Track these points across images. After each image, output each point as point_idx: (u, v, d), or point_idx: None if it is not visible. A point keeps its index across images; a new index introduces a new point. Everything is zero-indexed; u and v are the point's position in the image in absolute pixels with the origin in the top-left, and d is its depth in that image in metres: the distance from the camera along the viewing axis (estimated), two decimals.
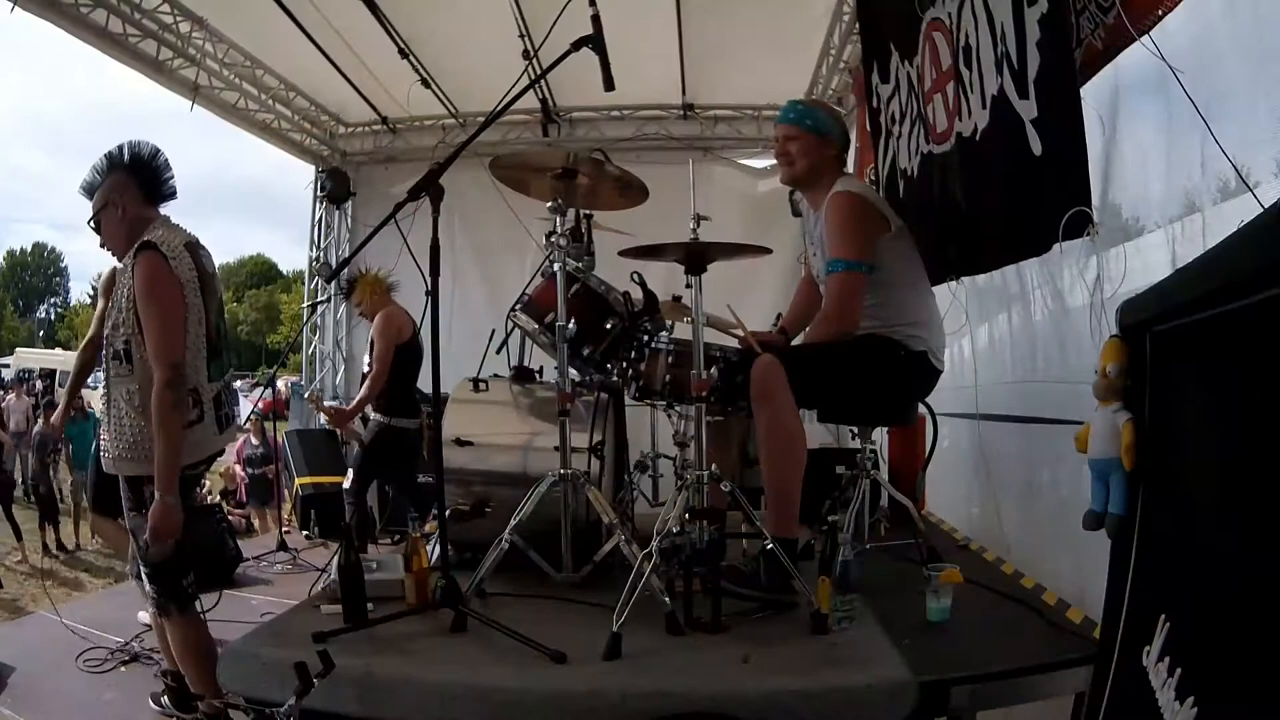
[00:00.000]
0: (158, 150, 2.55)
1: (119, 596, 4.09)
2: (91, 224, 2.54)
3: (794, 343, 2.83)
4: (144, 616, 3.21)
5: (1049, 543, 2.59)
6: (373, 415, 4.33)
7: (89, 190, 2.51)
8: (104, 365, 2.49)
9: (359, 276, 4.49)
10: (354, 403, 4.38)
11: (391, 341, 4.21)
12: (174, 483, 2.32)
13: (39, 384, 16.63)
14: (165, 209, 2.58)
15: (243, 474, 8.81)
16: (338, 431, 6.42)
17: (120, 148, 2.52)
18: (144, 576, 2.50)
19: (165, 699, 2.79)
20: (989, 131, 2.44)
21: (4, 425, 8.73)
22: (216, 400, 2.55)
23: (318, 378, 7.34)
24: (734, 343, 2.74)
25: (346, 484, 4.43)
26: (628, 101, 6.23)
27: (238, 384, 27.93)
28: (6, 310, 47.08)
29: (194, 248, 2.50)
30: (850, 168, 4.98)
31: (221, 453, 2.71)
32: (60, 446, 8.26)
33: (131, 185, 2.49)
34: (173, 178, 2.58)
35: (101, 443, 2.52)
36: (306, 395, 6.07)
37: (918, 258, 2.66)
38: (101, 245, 2.58)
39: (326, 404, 5.59)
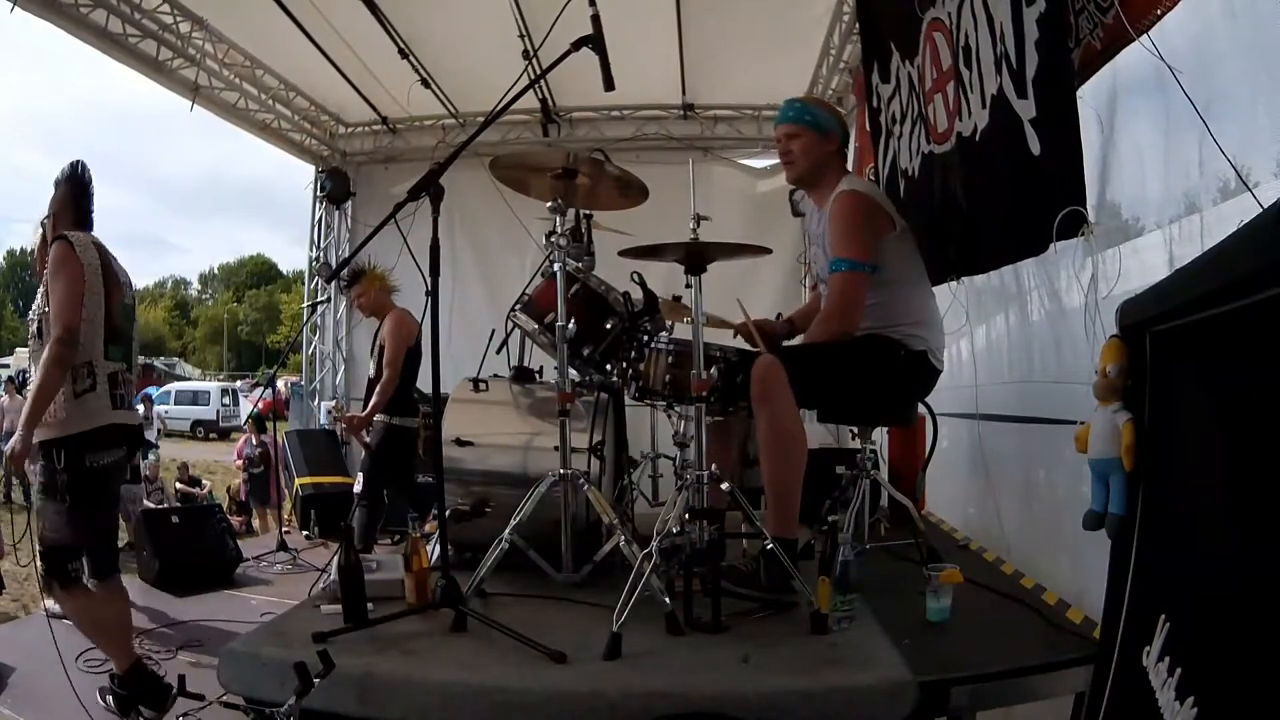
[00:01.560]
0: (78, 164, 2.95)
1: None
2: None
3: (794, 342, 2.83)
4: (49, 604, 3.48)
5: (1049, 543, 2.59)
6: (377, 417, 4.33)
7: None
8: (29, 348, 2.84)
9: (365, 270, 4.48)
10: (369, 409, 4.36)
11: (404, 345, 4.22)
12: (32, 421, 2.61)
13: None
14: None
15: (244, 475, 8.82)
16: (338, 432, 6.43)
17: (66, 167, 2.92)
18: (36, 554, 2.77)
19: (109, 698, 2.86)
20: (989, 131, 2.44)
21: None
22: (112, 379, 2.78)
23: (318, 378, 7.34)
24: (734, 342, 2.74)
25: (358, 488, 4.42)
26: (628, 101, 6.23)
27: (238, 384, 28.00)
28: (6, 310, 47.05)
29: (100, 246, 2.85)
30: (850, 167, 5.00)
31: (133, 433, 2.93)
32: None
33: (67, 198, 2.89)
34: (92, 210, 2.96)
35: None
36: (331, 408, 6.10)
37: (919, 257, 2.66)
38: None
39: (325, 404, 5.58)
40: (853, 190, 2.53)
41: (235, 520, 8.06)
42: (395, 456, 4.36)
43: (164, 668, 3.14)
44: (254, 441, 8.68)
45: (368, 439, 4.44)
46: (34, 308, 2.80)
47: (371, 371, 4.47)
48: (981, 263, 2.84)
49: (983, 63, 2.42)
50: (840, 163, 2.69)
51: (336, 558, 2.27)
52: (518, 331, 2.94)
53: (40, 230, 2.93)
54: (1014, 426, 2.97)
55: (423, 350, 4.26)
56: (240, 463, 9.00)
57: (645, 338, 2.64)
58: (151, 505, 7.33)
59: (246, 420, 8.21)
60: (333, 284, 6.92)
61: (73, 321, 2.63)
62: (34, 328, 2.75)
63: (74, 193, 2.90)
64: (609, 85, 2.36)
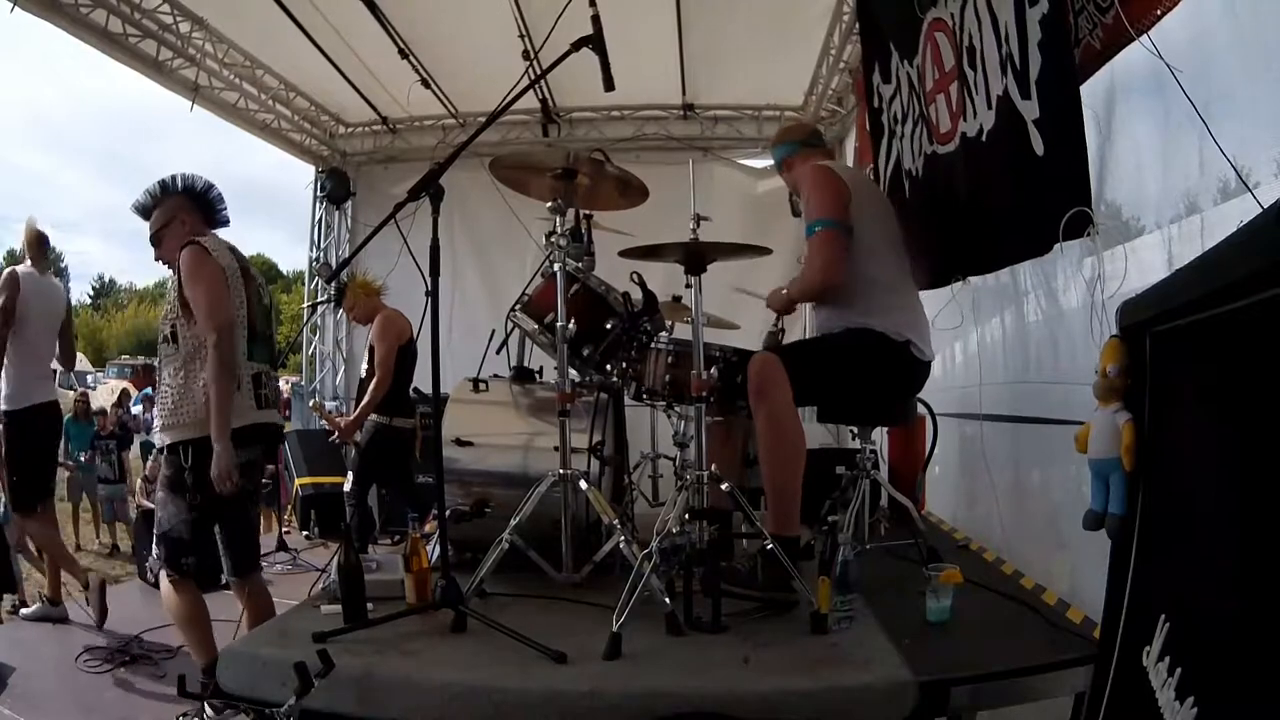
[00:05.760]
0: (211, 184, 2.89)
1: (119, 596, 4.09)
2: (152, 239, 2.84)
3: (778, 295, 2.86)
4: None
5: (1049, 543, 2.59)
6: (370, 416, 4.32)
7: (144, 211, 2.83)
8: (158, 353, 2.78)
9: (348, 282, 4.49)
10: (358, 411, 4.35)
11: (393, 345, 4.20)
12: (225, 430, 2.57)
13: None
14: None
15: None
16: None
17: (174, 178, 2.84)
18: (155, 540, 2.75)
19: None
20: (994, 132, 2.44)
21: None
22: (255, 379, 2.75)
23: (318, 378, 7.34)
24: (734, 342, 2.75)
25: (347, 486, 4.42)
26: (628, 101, 6.23)
27: None
28: None
29: (235, 250, 2.80)
30: (850, 164, 5.00)
31: (274, 432, 2.91)
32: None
33: (192, 208, 2.84)
34: (226, 209, 2.93)
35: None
36: (311, 404, 6.08)
37: (898, 251, 2.68)
38: (157, 258, 2.87)
39: (327, 406, 5.57)
40: (813, 165, 2.72)
41: None
42: (385, 457, 4.34)
43: (164, 668, 3.15)
44: None
45: (359, 439, 4.44)
46: (163, 313, 2.76)
47: (363, 372, 4.46)
48: (986, 263, 2.83)
49: (987, 63, 2.42)
50: (806, 161, 2.81)
51: (336, 558, 2.27)
52: (518, 331, 2.94)
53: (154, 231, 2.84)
54: (1014, 427, 2.97)
55: (420, 350, 4.26)
56: None
57: (645, 338, 2.65)
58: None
59: None
60: (332, 285, 6.92)
61: (224, 320, 2.61)
62: (165, 330, 2.72)
63: (191, 201, 2.84)
64: (609, 85, 2.36)
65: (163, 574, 2.74)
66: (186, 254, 2.65)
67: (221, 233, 2.88)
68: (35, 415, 3.82)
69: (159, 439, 2.73)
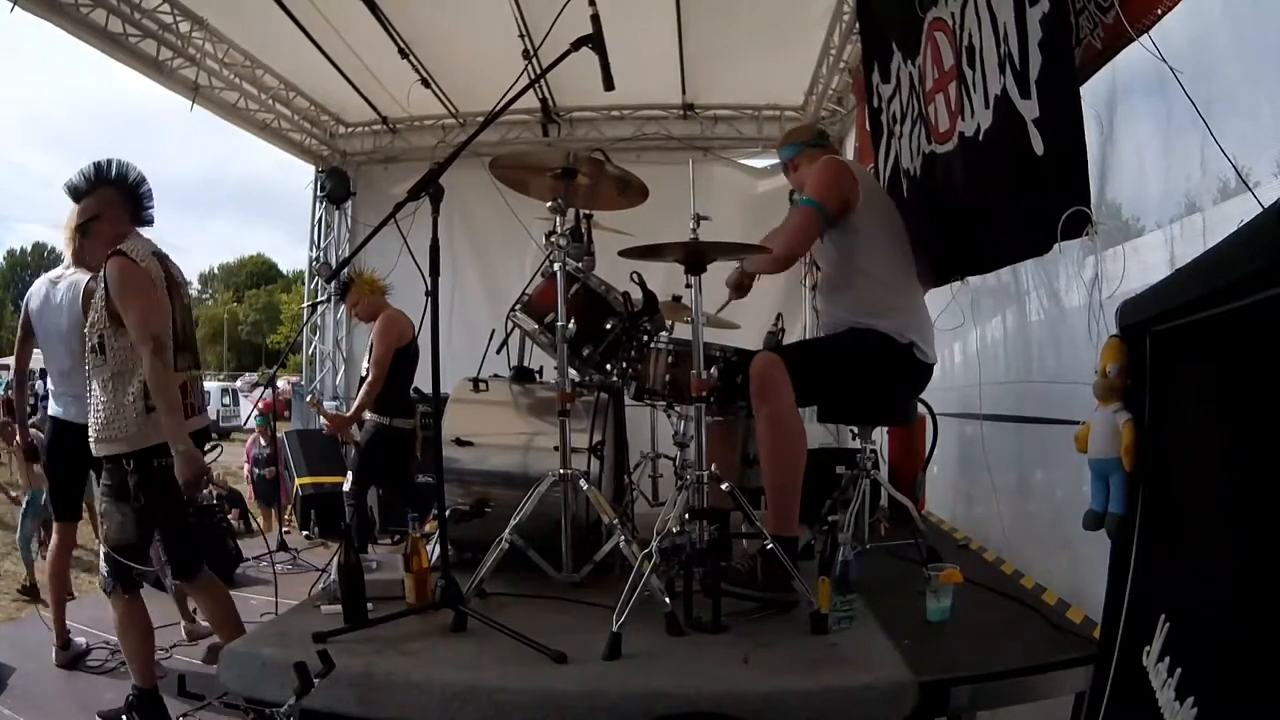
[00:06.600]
0: (144, 178, 2.81)
1: None
2: (80, 229, 2.79)
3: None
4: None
5: (1049, 543, 2.59)
6: (370, 416, 4.33)
7: (76, 194, 2.75)
8: (86, 362, 2.72)
9: (353, 279, 4.48)
10: (353, 409, 4.36)
11: (392, 346, 4.20)
12: (182, 435, 2.57)
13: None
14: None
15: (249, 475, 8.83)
16: (322, 429, 6.42)
17: (109, 163, 2.75)
18: (101, 555, 2.72)
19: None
20: (992, 132, 2.44)
21: None
22: (181, 389, 2.71)
23: (318, 378, 7.34)
24: (734, 342, 2.75)
25: (346, 486, 4.42)
26: (628, 101, 6.23)
27: (237, 384, 28.00)
28: (6, 310, 47.05)
29: (160, 256, 2.74)
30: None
31: (204, 435, 2.87)
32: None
33: (122, 203, 2.76)
34: (153, 206, 2.84)
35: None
36: (308, 399, 6.07)
37: (903, 251, 2.68)
38: (75, 252, 2.88)
39: (327, 405, 5.57)
40: (831, 157, 2.77)
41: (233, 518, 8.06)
42: (384, 457, 4.34)
43: (163, 668, 3.15)
44: (262, 443, 8.69)
45: (357, 438, 4.44)
46: (90, 322, 2.70)
47: (364, 371, 4.46)
48: (985, 262, 2.84)
49: (986, 63, 2.42)
50: (812, 162, 2.80)
51: (336, 558, 2.27)
52: (518, 331, 2.94)
53: (72, 237, 2.83)
54: (1014, 426, 2.97)
55: (420, 350, 4.26)
56: (249, 465, 9.01)
57: (645, 338, 2.64)
58: None
59: (248, 419, 8.19)
60: (332, 284, 6.92)
61: (159, 330, 2.58)
62: (93, 342, 2.66)
63: (122, 195, 2.76)
64: (609, 85, 2.36)
65: (112, 597, 2.68)
66: (115, 267, 2.60)
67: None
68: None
69: (95, 449, 2.68)
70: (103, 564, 2.72)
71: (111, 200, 2.74)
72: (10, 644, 3.49)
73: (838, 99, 5.77)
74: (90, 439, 2.68)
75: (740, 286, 2.92)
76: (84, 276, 3.19)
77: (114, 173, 2.75)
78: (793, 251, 2.60)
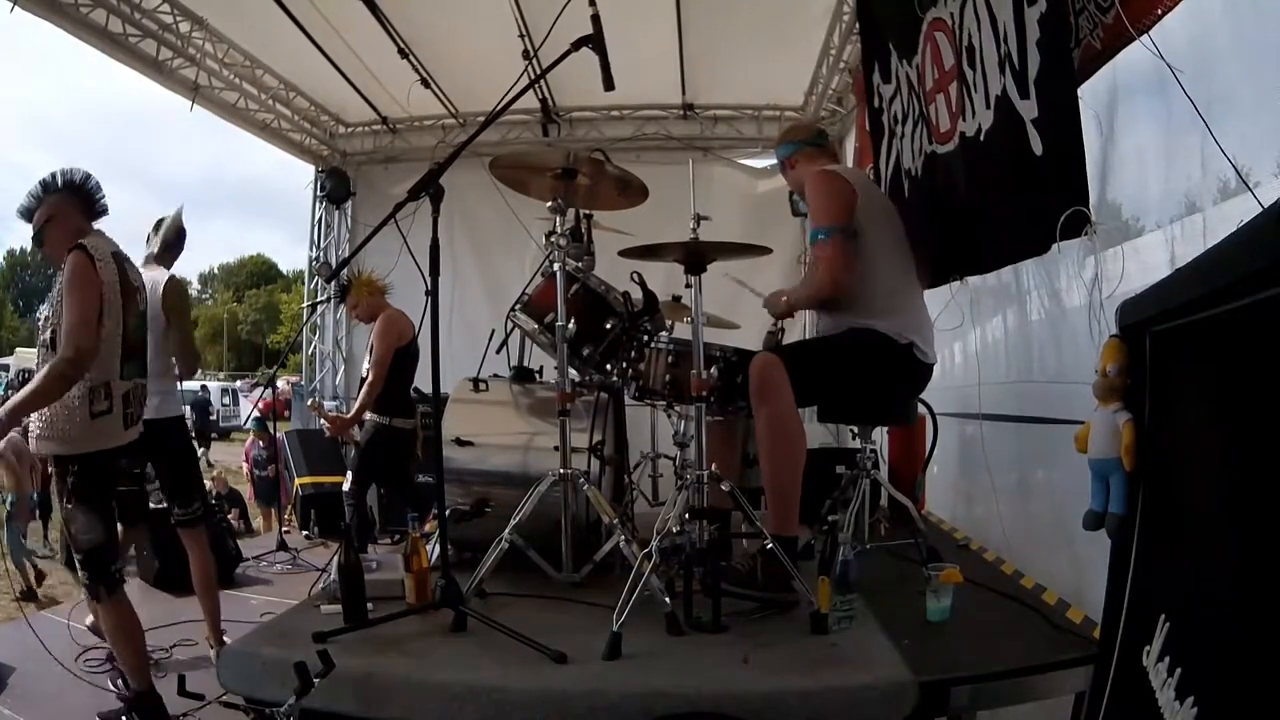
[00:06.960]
0: (89, 174, 2.82)
1: None
2: (35, 238, 2.80)
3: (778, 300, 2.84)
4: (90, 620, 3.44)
5: (1049, 543, 2.59)
6: (370, 416, 4.32)
7: (28, 213, 2.76)
8: (37, 355, 2.72)
9: (353, 280, 4.48)
10: (354, 410, 4.36)
11: (392, 346, 4.20)
12: (18, 414, 2.52)
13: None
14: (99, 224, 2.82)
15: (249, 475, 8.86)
16: (323, 430, 6.41)
17: (52, 175, 2.77)
18: (76, 564, 2.72)
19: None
20: (993, 132, 2.44)
21: None
22: (125, 398, 2.72)
23: (318, 378, 7.34)
24: (734, 342, 2.75)
25: (346, 486, 4.42)
26: (628, 101, 6.23)
27: (237, 384, 28.02)
28: (6, 310, 47.08)
29: (120, 258, 2.74)
30: (850, 164, 5.00)
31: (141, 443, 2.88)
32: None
33: (73, 203, 2.77)
34: (104, 197, 2.84)
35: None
36: (309, 403, 6.08)
37: (903, 253, 2.68)
38: (44, 258, 2.84)
39: (327, 405, 5.57)
40: (818, 170, 2.70)
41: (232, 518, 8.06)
42: (384, 456, 4.34)
43: (163, 668, 3.15)
44: (261, 443, 8.69)
45: (357, 438, 4.44)
46: (45, 314, 2.68)
47: (364, 371, 4.46)
48: (985, 262, 2.84)
49: (986, 63, 2.42)
50: (809, 161, 2.81)
51: (336, 558, 2.27)
52: (518, 331, 2.94)
53: (36, 230, 2.82)
54: (1014, 426, 2.97)
55: (420, 350, 4.25)
56: (248, 465, 9.03)
57: (645, 338, 2.64)
58: (150, 504, 7.31)
59: (246, 421, 8.20)
60: (332, 284, 6.91)
61: (85, 345, 2.52)
62: (45, 336, 2.64)
63: (72, 195, 2.77)
64: (609, 85, 2.36)
65: (100, 604, 2.67)
66: (72, 260, 2.57)
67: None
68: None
69: (35, 445, 2.68)
70: (80, 573, 2.69)
71: (60, 202, 2.75)
72: (10, 644, 3.49)
73: (838, 99, 5.77)
74: (34, 435, 2.66)
75: (786, 315, 2.91)
76: (162, 275, 3.21)
77: (59, 181, 2.77)
78: (838, 279, 2.54)
